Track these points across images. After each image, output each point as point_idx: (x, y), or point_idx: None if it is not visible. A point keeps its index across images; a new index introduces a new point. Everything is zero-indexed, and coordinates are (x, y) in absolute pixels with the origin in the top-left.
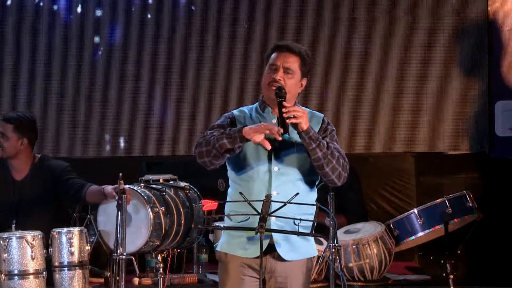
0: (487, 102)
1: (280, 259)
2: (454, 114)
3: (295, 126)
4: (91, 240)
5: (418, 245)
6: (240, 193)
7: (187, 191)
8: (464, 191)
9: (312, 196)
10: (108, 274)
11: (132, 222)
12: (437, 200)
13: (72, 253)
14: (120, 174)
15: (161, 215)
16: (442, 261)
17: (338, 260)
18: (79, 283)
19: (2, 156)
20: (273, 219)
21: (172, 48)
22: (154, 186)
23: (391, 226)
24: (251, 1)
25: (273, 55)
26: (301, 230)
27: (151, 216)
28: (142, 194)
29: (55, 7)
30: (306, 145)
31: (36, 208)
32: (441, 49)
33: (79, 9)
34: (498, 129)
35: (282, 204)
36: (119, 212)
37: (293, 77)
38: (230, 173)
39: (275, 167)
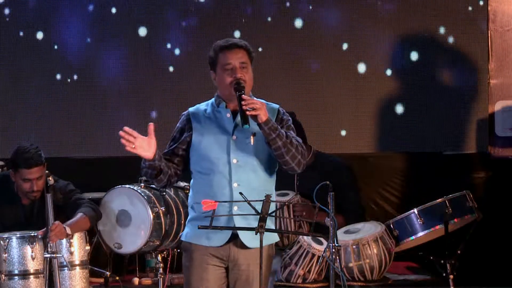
0: (487, 102)
1: (243, 247)
2: (454, 114)
3: (255, 117)
4: (91, 240)
5: (418, 245)
6: (240, 193)
7: (187, 191)
8: (464, 191)
9: (272, 184)
10: (108, 274)
11: (132, 222)
12: (437, 200)
13: (72, 253)
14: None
15: (161, 215)
16: (442, 261)
17: (338, 260)
18: (79, 283)
19: (36, 196)
20: (236, 211)
21: (171, 48)
22: (154, 186)
23: (391, 226)
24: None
25: (224, 56)
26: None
27: (151, 216)
28: (142, 194)
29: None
30: (266, 136)
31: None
32: (441, 49)
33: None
34: (498, 129)
35: (283, 204)
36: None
37: (248, 70)
38: (192, 166)
39: (234, 159)
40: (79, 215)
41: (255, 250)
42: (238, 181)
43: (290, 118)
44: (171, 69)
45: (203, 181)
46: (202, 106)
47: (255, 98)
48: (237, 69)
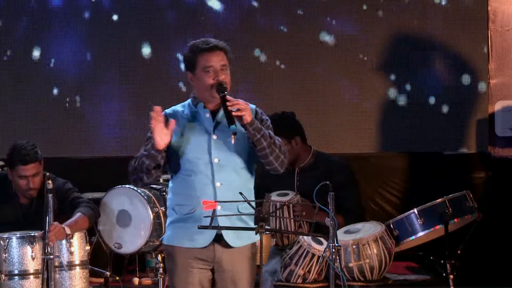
0: (487, 102)
1: (227, 246)
2: (454, 114)
3: (240, 118)
4: (91, 240)
5: (418, 245)
6: (240, 193)
7: None
8: (464, 191)
9: (252, 182)
10: (108, 274)
11: (132, 222)
12: (437, 200)
13: (72, 253)
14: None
15: (161, 215)
16: (442, 261)
17: (338, 260)
18: (79, 283)
19: (33, 194)
20: (220, 211)
21: (171, 48)
22: (154, 186)
23: (391, 226)
24: None
25: (203, 58)
26: (245, 218)
27: (151, 216)
28: (142, 194)
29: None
30: (251, 136)
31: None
32: (441, 49)
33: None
34: (498, 129)
35: (283, 204)
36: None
37: (228, 72)
38: (171, 168)
39: (215, 159)
40: (77, 214)
41: (239, 249)
42: (221, 181)
43: (268, 118)
44: (170, 72)
45: (184, 182)
46: (178, 107)
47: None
48: (219, 71)
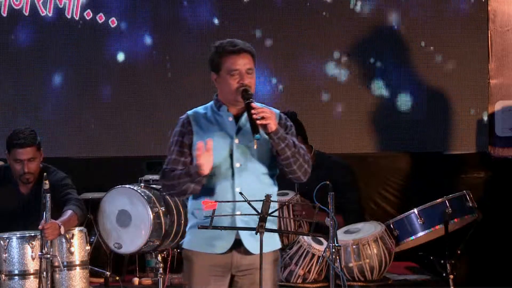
0: (487, 102)
1: (247, 253)
2: (454, 114)
3: (264, 127)
4: (91, 240)
5: (418, 245)
6: (240, 193)
7: None
8: (464, 191)
9: (274, 189)
10: (108, 274)
11: (132, 222)
12: (437, 200)
13: (72, 253)
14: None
15: (161, 215)
16: (442, 261)
17: (338, 260)
18: (79, 283)
19: (29, 179)
20: (238, 216)
21: (171, 48)
22: (154, 186)
23: (391, 226)
24: None
25: (229, 61)
26: (268, 225)
27: (151, 216)
28: (142, 194)
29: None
30: (275, 145)
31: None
32: (441, 49)
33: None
34: (498, 129)
35: (283, 203)
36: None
37: (253, 75)
38: None
39: (237, 163)
40: (69, 212)
41: (258, 255)
42: (241, 185)
43: (292, 123)
44: (169, 75)
45: (204, 186)
46: (200, 109)
47: (260, 105)
48: (244, 75)
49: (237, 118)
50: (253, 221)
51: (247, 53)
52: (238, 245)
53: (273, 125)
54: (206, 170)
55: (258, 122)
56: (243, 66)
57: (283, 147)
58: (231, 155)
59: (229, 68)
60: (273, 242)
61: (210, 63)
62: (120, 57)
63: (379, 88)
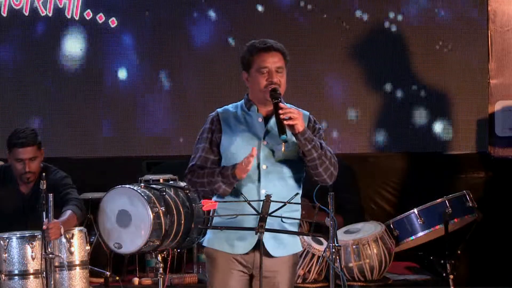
0: (487, 102)
1: (268, 255)
2: (454, 114)
3: (291, 127)
4: (91, 240)
5: (418, 245)
6: (241, 193)
7: (187, 191)
8: (464, 191)
9: (299, 192)
10: (108, 274)
11: (132, 222)
12: (437, 200)
13: (72, 253)
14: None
15: (161, 215)
16: (442, 261)
17: (338, 260)
18: (79, 283)
19: (30, 178)
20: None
21: (171, 48)
22: (154, 186)
23: (391, 226)
24: None
25: (259, 58)
26: (288, 227)
27: (151, 216)
28: (142, 194)
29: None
30: (301, 146)
31: (42, 219)
32: (441, 49)
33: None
34: (498, 129)
35: (282, 204)
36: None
37: (284, 75)
38: None
39: (264, 165)
40: (69, 213)
41: (280, 258)
42: (266, 187)
43: (321, 126)
44: (167, 76)
45: None
46: (230, 108)
47: (289, 105)
48: (274, 73)
49: (266, 119)
50: (277, 224)
51: (278, 52)
52: (259, 246)
53: (300, 126)
54: (244, 175)
55: (285, 122)
56: (272, 64)
57: (310, 149)
58: (258, 157)
59: (259, 66)
60: (295, 245)
61: (241, 61)
62: (121, 56)
63: (379, 88)
